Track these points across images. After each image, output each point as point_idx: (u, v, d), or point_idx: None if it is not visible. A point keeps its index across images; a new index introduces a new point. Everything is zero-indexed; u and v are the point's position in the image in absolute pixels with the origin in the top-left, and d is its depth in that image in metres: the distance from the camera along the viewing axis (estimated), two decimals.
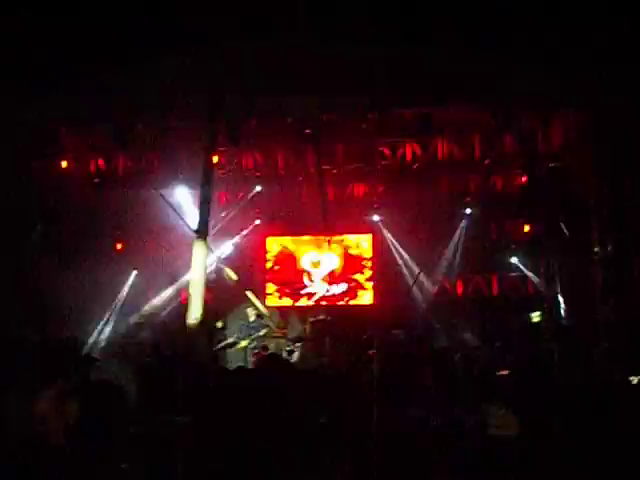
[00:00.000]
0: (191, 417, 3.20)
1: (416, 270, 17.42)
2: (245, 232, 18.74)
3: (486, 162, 15.53)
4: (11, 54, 12.08)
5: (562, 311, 17.01)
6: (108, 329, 17.91)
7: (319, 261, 19.18)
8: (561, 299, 17.17)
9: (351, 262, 19.17)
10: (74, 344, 3.77)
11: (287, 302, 19.30)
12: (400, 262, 18.44)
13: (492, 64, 12.70)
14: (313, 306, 18.69)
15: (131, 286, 18.40)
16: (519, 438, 3.99)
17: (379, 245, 18.91)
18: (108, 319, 17.89)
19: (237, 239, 18.61)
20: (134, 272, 18.41)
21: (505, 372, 14.89)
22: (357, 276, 19.21)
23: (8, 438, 2.37)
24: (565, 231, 13.98)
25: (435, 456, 2.83)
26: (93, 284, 17.20)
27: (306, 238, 19.12)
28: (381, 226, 18.64)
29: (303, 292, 19.26)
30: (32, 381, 2.46)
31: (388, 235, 18.65)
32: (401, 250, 18.46)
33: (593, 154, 13.03)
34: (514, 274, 18.62)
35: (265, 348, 15.76)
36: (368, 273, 19.25)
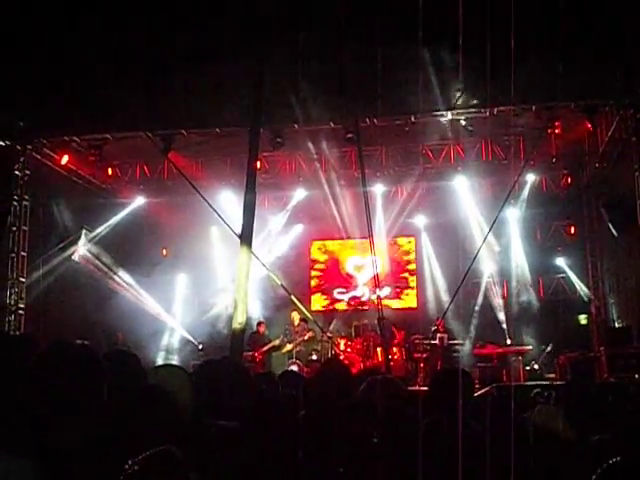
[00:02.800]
0: (239, 422, 3.23)
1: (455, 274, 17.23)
2: (289, 236, 18.83)
3: (531, 164, 15.35)
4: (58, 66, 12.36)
5: (612, 313, 16.73)
6: (159, 335, 18.12)
7: (363, 265, 19.15)
8: (611, 301, 16.90)
9: (395, 266, 19.12)
10: (128, 352, 3.84)
11: (332, 306, 19.38)
12: (438, 266, 18.39)
13: (536, 64, 12.61)
14: (357, 309, 18.63)
15: (179, 291, 18.64)
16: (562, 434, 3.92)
17: (422, 248, 18.85)
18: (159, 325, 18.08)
19: (281, 243, 18.66)
20: (182, 277, 18.60)
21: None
22: (401, 280, 19.18)
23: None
24: (613, 231, 13.73)
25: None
26: (142, 290, 17.45)
27: (350, 242, 19.06)
28: (422, 230, 18.56)
29: (348, 296, 19.26)
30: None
31: (428, 239, 18.57)
32: (434, 257, 18.43)
33: (637, 151, 12.79)
34: (560, 276, 18.41)
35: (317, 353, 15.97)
36: (412, 276, 19.20)
